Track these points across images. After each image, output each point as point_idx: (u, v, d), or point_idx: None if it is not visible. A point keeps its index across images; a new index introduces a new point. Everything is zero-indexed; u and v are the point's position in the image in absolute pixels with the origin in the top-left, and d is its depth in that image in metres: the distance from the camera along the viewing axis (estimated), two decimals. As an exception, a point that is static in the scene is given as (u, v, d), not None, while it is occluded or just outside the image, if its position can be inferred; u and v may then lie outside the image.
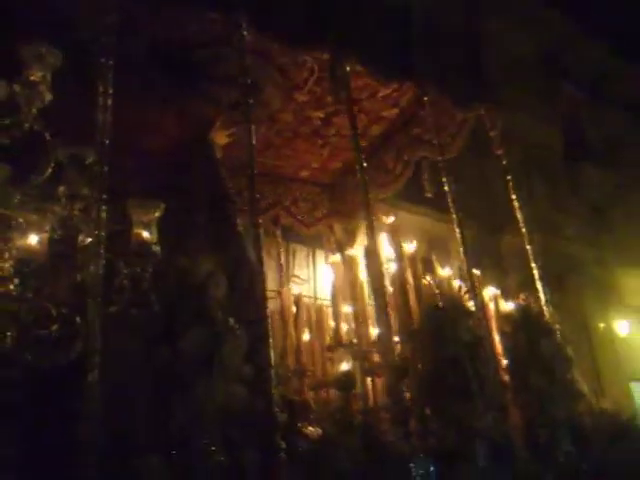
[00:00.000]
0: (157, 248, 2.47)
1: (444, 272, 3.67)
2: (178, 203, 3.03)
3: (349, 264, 3.81)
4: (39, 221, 2.03)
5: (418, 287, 3.46)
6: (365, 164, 3.79)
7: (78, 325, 2.16)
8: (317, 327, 4.31)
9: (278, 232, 5.40)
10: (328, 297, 4.49)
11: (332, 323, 4.30)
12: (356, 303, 3.66)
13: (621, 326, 12.37)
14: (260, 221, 2.95)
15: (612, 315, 12.37)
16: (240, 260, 3.01)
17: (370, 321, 3.60)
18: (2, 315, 1.96)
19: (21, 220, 2.01)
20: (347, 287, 4.11)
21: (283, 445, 2.26)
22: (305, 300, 4.50)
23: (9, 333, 2.01)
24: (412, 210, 6.68)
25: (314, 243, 6.05)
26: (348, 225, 5.61)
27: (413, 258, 3.59)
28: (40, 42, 2.53)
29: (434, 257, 3.96)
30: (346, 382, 2.94)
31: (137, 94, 3.51)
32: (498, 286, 4.40)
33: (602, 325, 12.03)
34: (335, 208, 5.71)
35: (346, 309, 4.10)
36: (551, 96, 13.51)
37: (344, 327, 3.77)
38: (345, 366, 3.08)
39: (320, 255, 6.02)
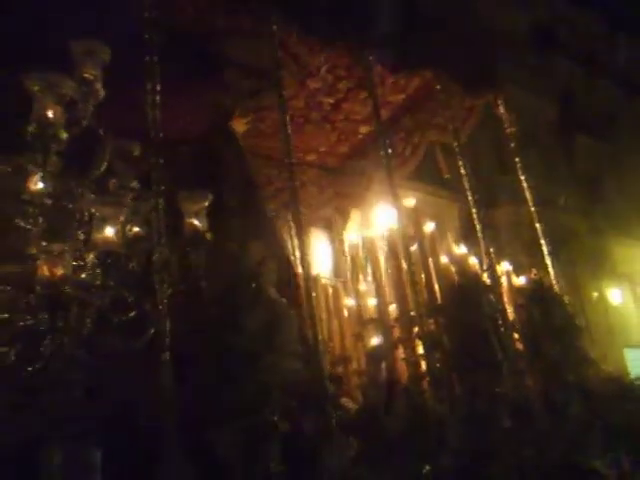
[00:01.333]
0: (209, 236, 2.74)
1: (460, 250, 3.99)
2: (211, 190, 3.27)
3: (369, 245, 4.10)
4: (114, 214, 2.27)
5: (437, 265, 3.77)
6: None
7: (148, 311, 2.43)
8: (334, 305, 4.60)
9: (289, 216, 5.64)
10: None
11: (349, 301, 4.61)
12: (376, 282, 3.95)
13: (614, 294, 12.87)
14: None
15: (605, 284, 12.85)
16: (273, 245, 3.28)
17: (389, 298, 3.90)
18: (84, 303, 2.22)
19: (98, 214, 2.26)
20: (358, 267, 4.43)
21: (334, 413, 2.57)
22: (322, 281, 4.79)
23: (89, 319, 2.28)
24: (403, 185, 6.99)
25: (319, 224, 6.34)
26: (356, 207, 5.89)
27: (432, 238, 3.89)
28: (90, 39, 2.72)
29: (450, 237, 4.25)
30: (378, 355, 3.24)
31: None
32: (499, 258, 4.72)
33: (596, 294, 12.52)
34: (343, 192, 5.97)
35: (362, 287, 4.41)
36: (546, 69, 13.79)
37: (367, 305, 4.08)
38: (375, 340, 3.39)
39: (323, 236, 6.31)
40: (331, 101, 5.05)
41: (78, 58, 2.65)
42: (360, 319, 3.93)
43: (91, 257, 2.18)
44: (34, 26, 3.14)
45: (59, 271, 2.05)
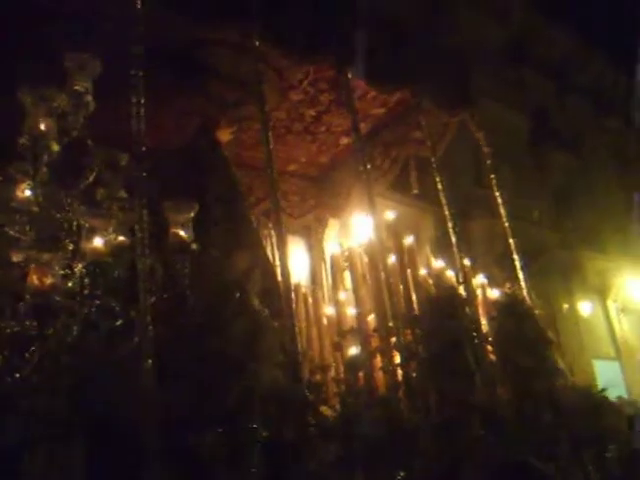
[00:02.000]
0: (194, 246, 2.80)
1: (438, 264, 4.11)
2: (195, 200, 3.33)
3: (350, 256, 4.20)
4: (104, 225, 2.33)
5: (415, 277, 3.88)
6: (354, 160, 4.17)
7: (133, 318, 2.48)
8: (314, 314, 4.68)
9: (270, 224, 5.72)
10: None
11: (328, 310, 4.70)
12: (356, 292, 4.05)
13: (584, 307, 13.17)
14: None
15: (576, 297, 13.15)
16: (257, 255, 3.35)
17: (368, 308, 4.00)
18: (69, 311, 2.27)
19: (87, 225, 2.31)
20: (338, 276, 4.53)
21: (313, 421, 2.65)
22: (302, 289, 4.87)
23: (75, 327, 2.33)
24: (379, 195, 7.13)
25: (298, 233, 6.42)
26: (334, 217, 5.99)
27: (411, 250, 4.00)
28: (80, 52, 2.78)
29: (428, 249, 4.37)
30: (356, 364, 3.33)
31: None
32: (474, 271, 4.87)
33: (566, 306, 12.79)
34: (323, 201, 6.08)
35: (342, 297, 4.50)
36: (519, 84, 14.11)
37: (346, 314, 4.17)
38: (354, 350, 3.48)
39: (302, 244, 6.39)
40: (313, 113, 5.16)
41: (70, 71, 2.71)
42: (339, 328, 4.01)
43: (79, 266, 2.23)
44: (25, 39, 3.18)
45: (48, 280, 2.10)
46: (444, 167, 4.79)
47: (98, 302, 2.23)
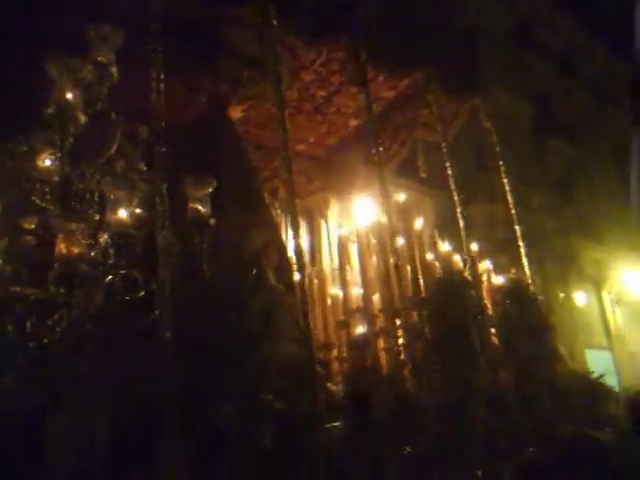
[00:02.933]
0: (212, 221, 2.86)
1: (445, 247, 4.19)
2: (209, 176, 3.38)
3: (358, 236, 4.27)
4: (128, 196, 2.38)
5: (424, 260, 3.96)
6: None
7: (154, 290, 2.55)
8: (319, 293, 4.76)
9: (277, 204, 5.77)
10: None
11: (334, 290, 4.77)
12: (363, 273, 4.13)
13: (579, 296, 13.32)
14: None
15: (572, 285, 13.29)
16: (271, 233, 3.42)
17: (374, 289, 4.09)
18: (92, 281, 2.34)
19: (112, 196, 2.37)
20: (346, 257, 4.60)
21: (323, 395, 2.74)
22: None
23: (97, 297, 2.40)
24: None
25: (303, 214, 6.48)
26: (342, 199, 6.05)
27: (420, 234, 4.07)
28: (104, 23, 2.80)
29: (436, 233, 4.45)
30: (363, 343, 3.42)
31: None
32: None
33: (562, 294, 12.94)
34: (329, 183, 6.13)
35: (349, 277, 4.57)
36: (522, 70, 14.10)
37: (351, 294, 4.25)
38: (360, 329, 3.57)
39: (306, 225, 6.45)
40: (323, 94, 5.18)
41: (93, 42, 2.73)
42: (345, 308, 4.10)
43: (105, 237, 2.29)
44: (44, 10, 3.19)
45: (75, 249, 2.16)
46: (448, 150, 4.85)
47: (123, 272, 2.29)
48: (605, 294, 14.24)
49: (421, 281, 3.90)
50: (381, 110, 5.45)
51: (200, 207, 2.88)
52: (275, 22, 3.65)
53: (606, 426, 3.94)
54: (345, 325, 3.88)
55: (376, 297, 4.08)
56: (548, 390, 3.71)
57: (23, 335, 2.21)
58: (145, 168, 2.95)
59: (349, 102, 5.30)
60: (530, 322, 3.79)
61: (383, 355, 3.65)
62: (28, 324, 2.20)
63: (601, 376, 4.07)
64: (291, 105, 5.32)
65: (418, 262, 3.97)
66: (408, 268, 3.96)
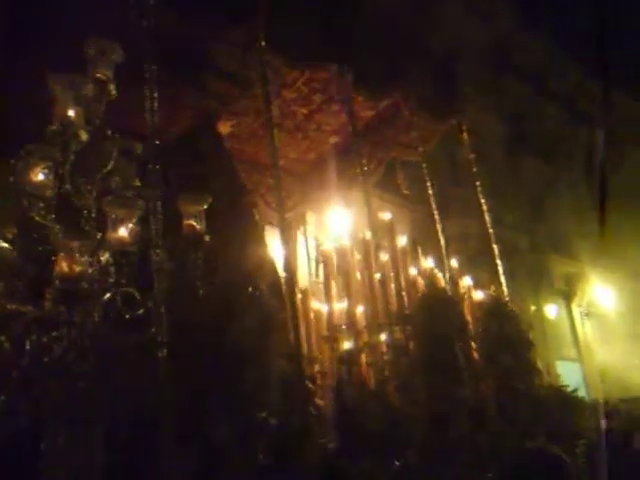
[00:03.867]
0: (207, 237, 2.93)
1: (427, 263, 4.33)
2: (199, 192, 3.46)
3: (341, 253, 4.39)
4: (129, 215, 2.45)
5: (406, 276, 4.10)
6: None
7: (150, 308, 2.62)
8: (302, 308, 4.83)
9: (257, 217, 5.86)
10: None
11: (316, 305, 4.86)
12: (347, 289, 4.24)
13: (550, 309, 13.68)
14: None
15: (543, 299, 13.64)
16: (262, 249, 3.52)
17: (359, 304, 4.20)
18: (91, 299, 2.40)
19: (113, 215, 2.43)
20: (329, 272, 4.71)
21: (314, 411, 2.84)
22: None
23: (95, 314, 2.46)
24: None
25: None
26: (319, 213, 6.18)
27: (403, 250, 4.21)
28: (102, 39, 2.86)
29: (419, 250, 4.60)
30: (349, 358, 3.53)
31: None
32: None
33: (533, 307, 13.26)
34: (307, 197, 6.25)
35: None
36: (496, 88, 14.47)
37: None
38: (347, 345, 3.67)
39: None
40: (305, 111, 5.32)
41: (91, 58, 2.80)
42: (330, 323, 4.20)
43: (106, 255, 2.36)
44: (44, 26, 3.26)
45: (77, 267, 2.23)
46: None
47: (123, 290, 2.36)
48: (575, 307, 14.63)
49: (404, 296, 4.03)
50: (360, 129, 5.61)
51: (195, 224, 2.95)
52: (263, 43, 3.77)
53: (578, 438, 4.12)
54: (330, 340, 3.99)
55: (359, 312, 4.19)
56: (526, 402, 3.86)
57: (21, 352, 2.26)
58: (139, 185, 3.02)
59: (329, 120, 5.45)
60: (509, 337, 3.95)
61: (367, 370, 3.75)
62: (27, 341, 2.25)
63: (575, 389, 4.24)
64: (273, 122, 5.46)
65: (402, 278, 4.10)
66: (391, 283, 4.08)
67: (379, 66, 4.53)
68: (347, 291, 4.22)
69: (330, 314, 4.19)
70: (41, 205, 2.50)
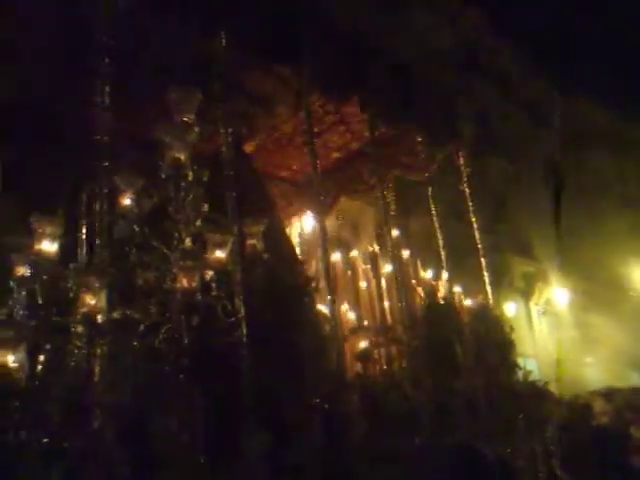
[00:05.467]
0: (266, 255, 3.71)
1: (427, 274, 5.24)
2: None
3: (352, 263, 5.25)
4: (224, 240, 3.22)
5: (409, 286, 5.00)
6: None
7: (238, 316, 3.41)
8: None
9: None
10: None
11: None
12: (357, 295, 5.11)
13: (510, 307, 14.88)
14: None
15: (503, 297, 14.81)
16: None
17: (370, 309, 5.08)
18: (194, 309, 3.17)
19: (213, 240, 3.20)
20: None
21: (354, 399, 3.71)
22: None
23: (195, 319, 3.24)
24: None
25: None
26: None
27: (407, 262, 5.10)
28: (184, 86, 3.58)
29: (418, 261, 5.50)
30: (367, 355, 4.38)
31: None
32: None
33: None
34: (307, 205, 7.06)
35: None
36: (466, 93, 15.48)
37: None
38: (363, 344, 4.52)
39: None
40: (316, 130, 6.10)
41: (175, 104, 3.52)
42: (348, 325, 5.05)
43: (210, 273, 3.13)
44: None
45: (193, 283, 3.00)
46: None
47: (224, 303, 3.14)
48: (532, 305, 15.88)
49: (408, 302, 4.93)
50: (361, 147, 6.46)
51: (256, 243, 3.72)
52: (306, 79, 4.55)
53: (549, 423, 5.12)
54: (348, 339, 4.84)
55: (368, 315, 5.07)
56: (509, 395, 4.82)
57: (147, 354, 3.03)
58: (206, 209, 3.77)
59: (335, 138, 6.27)
60: (495, 339, 4.90)
61: (380, 365, 4.64)
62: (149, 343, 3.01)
63: (546, 383, 5.23)
64: (284, 137, 6.26)
65: (405, 285, 5.00)
66: (396, 290, 4.97)
67: (393, 96, 5.34)
68: (355, 296, 5.08)
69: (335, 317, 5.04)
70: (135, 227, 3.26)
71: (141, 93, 3.99)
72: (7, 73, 4.02)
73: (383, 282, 4.98)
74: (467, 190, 6.12)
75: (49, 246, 3.15)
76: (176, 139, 3.22)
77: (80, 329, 2.73)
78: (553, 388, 12.09)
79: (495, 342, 4.93)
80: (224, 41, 4.22)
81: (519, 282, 15.56)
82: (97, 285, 2.81)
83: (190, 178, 3.23)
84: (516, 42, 16.88)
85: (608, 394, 6.11)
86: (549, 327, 16.06)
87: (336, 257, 5.45)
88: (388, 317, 4.91)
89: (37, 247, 3.11)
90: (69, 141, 4.14)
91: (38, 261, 3.09)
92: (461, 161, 6.02)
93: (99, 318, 2.78)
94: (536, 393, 5.14)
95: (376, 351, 4.75)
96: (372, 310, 5.13)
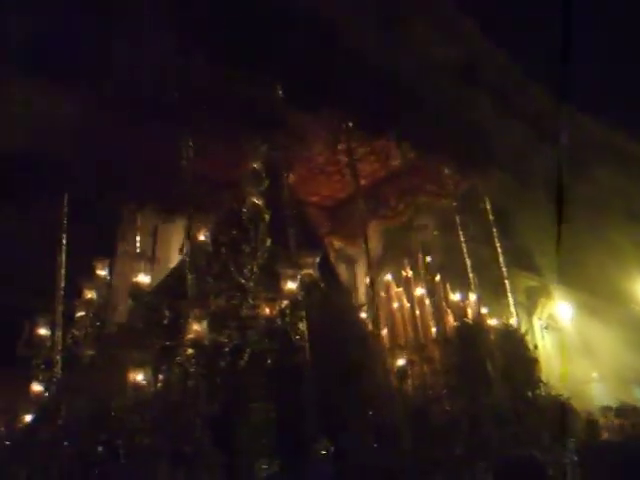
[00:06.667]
0: (322, 285, 4.29)
1: (456, 296, 5.84)
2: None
3: (385, 287, 5.83)
4: (294, 273, 3.80)
5: (440, 307, 5.59)
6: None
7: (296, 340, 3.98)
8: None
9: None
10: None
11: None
12: (391, 316, 5.69)
13: (512, 322, 15.46)
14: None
15: (505, 311, 15.39)
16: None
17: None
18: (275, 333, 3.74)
19: (285, 272, 3.77)
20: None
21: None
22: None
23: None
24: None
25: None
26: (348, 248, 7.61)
27: (438, 284, 5.70)
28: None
29: (448, 284, 6.09)
30: (404, 372, 4.95)
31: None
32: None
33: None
34: (334, 229, 7.64)
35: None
36: (467, 105, 16.12)
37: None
38: (401, 361, 5.09)
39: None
40: (346, 160, 6.68)
41: (248, 153, 4.14)
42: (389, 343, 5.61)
43: (285, 302, 3.70)
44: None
45: (274, 310, 3.57)
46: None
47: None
48: (535, 320, 16.45)
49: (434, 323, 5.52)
50: (387, 175, 7.06)
51: (312, 272, 4.29)
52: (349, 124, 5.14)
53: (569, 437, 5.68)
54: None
55: (402, 334, 5.65)
56: (534, 408, 5.40)
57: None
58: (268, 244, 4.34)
59: (365, 167, 6.83)
60: (521, 356, 5.48)
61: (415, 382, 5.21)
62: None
63: (569, 398, 5.81)
64: (317, 167, 6.84)
65: (436, 307, 5.58)
66: (428, 311, 5.56)
67: (424, 130, 5.93)
68: (390, 317, 5.66)
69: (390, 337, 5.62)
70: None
71: (219, 142, 4.54)
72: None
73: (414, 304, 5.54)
74: (491, 217, 6.64)
75: (144, 278, 3.74)
76: (254, 186, 3.82)
77: (189, 351, 3.28)
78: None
79: (521, 360, 5.50)
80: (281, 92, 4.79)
81: (521, 297, 16.15)
82: (199, 314, 3.37)
83: (266, 219, 3.83)
84: (518, 56, 17.62)
85: (620, 410, 6.65)
86: (552, 342, 16.62)
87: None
88: (421, 337, 5.46)
89: (134, 280, 3.70)
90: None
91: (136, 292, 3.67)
92: (483, 190, 6.60)
93: (205, 342, 3.33)
94: (559, 407, 5.72)
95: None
96: (405, 330, 5.69)
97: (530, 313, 16.62)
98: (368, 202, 7.18)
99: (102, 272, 5.19)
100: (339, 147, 6.39)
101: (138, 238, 5.86)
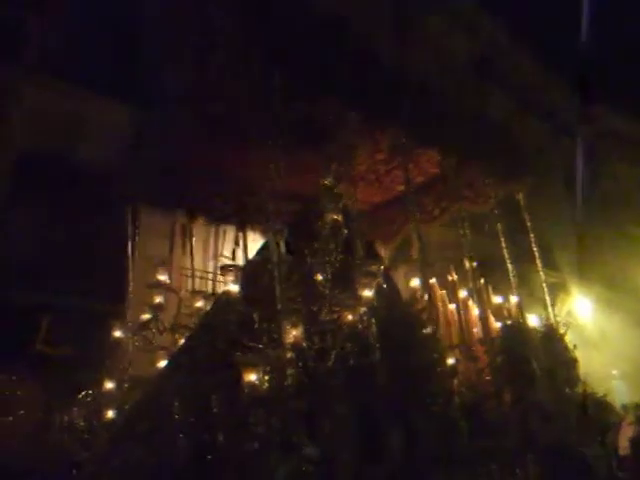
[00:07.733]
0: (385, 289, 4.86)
1: (497, 299, 6.41)
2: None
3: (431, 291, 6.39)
4: (371, 281, 4.36)
5: (484, 309, 6.17)
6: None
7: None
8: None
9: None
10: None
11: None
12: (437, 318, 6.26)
13: (531, 319, 16.02)
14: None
15: (524, 307, 15.95)
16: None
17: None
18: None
19: (362, 281, 4.34)
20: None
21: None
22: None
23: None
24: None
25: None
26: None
27: (480, 289, 6.28)
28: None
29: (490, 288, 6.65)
30: (454, 370, 5.52)
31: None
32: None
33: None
34: (369, 233, 8.19)
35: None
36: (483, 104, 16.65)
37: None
38: (451, 361, 5.66)
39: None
40: (387, 168, 7.23)
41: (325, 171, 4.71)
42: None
43: (363, 309, 4.27)
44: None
45: (355, 316, 4.14)
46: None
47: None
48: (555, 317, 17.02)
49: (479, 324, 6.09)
50: (426, 181, 7.61)
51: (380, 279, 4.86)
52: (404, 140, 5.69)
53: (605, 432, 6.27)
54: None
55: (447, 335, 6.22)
56: (574, 405, 5.99)
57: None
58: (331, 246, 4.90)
59: (403, 173, 7.38)
60: (562, 356, 6.06)
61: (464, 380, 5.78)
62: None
63: (605, 395, 6.39)
64: (357, 174, 7.37)
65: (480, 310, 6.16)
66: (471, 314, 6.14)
67: (466, 141, 6.48)
68: (437, 319, 6.23)
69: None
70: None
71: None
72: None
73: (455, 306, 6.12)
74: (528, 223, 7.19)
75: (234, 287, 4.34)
76: (332, 202, 4.39)
77: (289, 355, 3.86)
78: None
79: (561, 359, 6.08)
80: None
81: (540, 293, 16.70)
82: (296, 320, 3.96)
83: (344, 234, 4.40)
84: (536, 50, 18.12)
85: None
86: (572, 338, 17.17)
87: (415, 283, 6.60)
88: (467, 337, 6.04)
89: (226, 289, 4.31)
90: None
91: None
92: (520, 196, 7.17)
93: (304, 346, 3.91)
94: (597, 403, 6.31)
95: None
96: (449, 331, 6.28)
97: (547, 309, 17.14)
98: (406, 207, 7.76)
99: (163, 277, 5.88)
100: (378, 156, 6.95)
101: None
